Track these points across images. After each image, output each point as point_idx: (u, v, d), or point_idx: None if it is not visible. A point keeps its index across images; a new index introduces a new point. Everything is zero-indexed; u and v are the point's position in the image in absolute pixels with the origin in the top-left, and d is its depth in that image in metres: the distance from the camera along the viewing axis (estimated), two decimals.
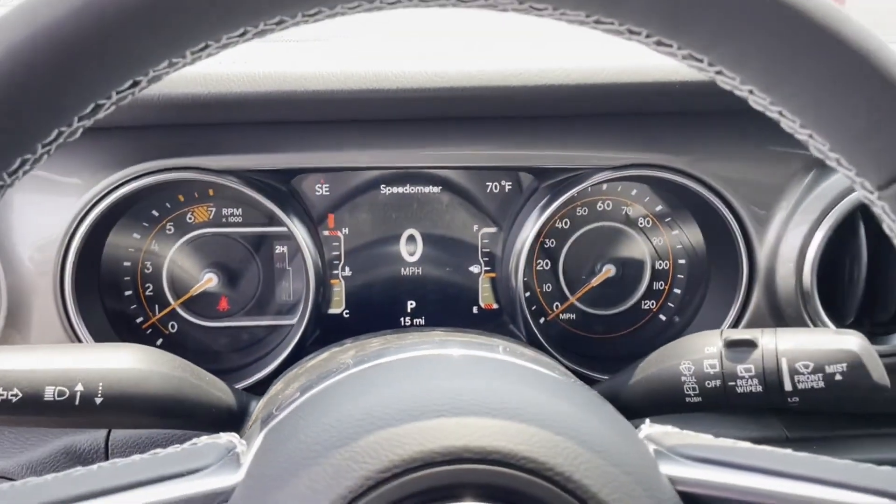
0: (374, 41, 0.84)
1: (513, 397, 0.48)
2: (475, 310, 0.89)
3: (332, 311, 0.88)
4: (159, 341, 0.86)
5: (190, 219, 0.84)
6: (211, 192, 0.81)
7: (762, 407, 0.66)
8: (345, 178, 0.84)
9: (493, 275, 0.88)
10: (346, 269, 0.87)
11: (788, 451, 0.50)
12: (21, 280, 0.72)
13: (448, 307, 0.90)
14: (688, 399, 0.66)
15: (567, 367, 0.82)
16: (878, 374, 0.61)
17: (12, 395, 0.60)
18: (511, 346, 0.67)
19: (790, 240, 0.75)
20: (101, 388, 0.61)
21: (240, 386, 0.78)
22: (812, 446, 0.75)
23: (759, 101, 0.43)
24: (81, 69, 0.38)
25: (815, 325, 0.76)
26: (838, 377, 0.62)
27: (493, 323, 0.89)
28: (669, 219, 0.87)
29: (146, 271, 0.85)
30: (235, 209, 0.84)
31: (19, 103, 0.38)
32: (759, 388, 0.63)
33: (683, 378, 0.66)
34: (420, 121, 0.78)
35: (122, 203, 0.77)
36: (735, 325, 0.82)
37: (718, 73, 0.42)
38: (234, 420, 0.69)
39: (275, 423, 0.52)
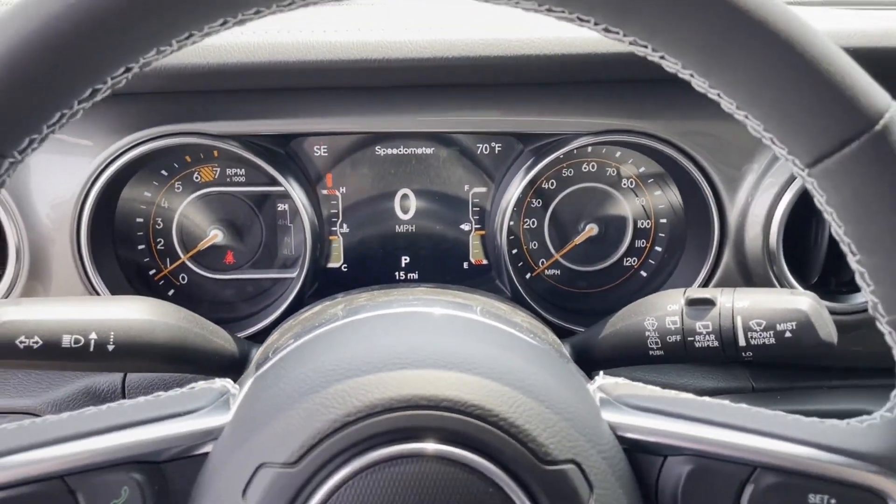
0: (365, 10, 0.87)
1: (471, 353, 0.53)
2: (465, 265, 0.93)
3: (331, 265, 0.92)
4: (170, 292, 0.90)
5: (196, 178, 0.88)
6: (216, 153, 0.84)
7: (719, 360, 0.72)
8: (342, 140, 0.87)
9: (482, 232, 0.92)
10: (344, 225, 0.91)
11: (725, 402, 0.55)
12: (41, 236, 0.78)
13: (440, 263, 0.93)
14: (651, 352, 0.71)
15: (549, 321, 0.87)
16: (826, 332, 0.66)
17: (33, 343, 0.65)
18: (488, 305, 0.70)
19: (759, 202, 0.78)
20: (112, 336, 0.67)
21: (243, 334, 0.83)
22: (776, 396, 0.84)
23: (700, 84, 0.47)
24: (79, 59, 0.42)
25: (782, 285, 0.80)
26: (788, 334, 0.66)
27: (483, 278, 0.93)
28: (651, 180, 0.90)
29: (157, 227, 0.89)
30: (239, 169, 0.88)
31: (27, 91, 0.42)
32: (716, 343, 0.68)
33: (647, 333, 0.71)
34: (409, 87, 0.81)
35: (133, 164, 0.81)
36: (706, 282, 0.85)
37: (662, 57, 0.46)
38: (236, 366, 0.74)
39: (262, 370, 0.57)
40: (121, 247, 0.88)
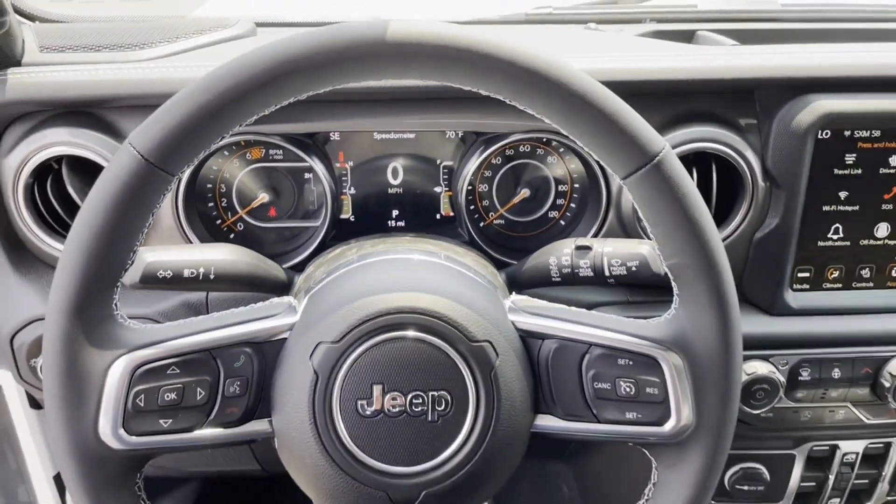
0: None
1: (435, 282, 0.72)
2: (438, 216, 1.08)
3: (342, 216, 1.07)
4: (231, 236, 1.05)
5: (248, 156, 1.03)
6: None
7: (595, 284, 0.89)
8: (351, 131, 1.01)
9: (450, 193, 1.06)
10: (352, 188, 1.06)
11: (581, 309, 0.74)
12: None
13: (420, 215, 1.08)
14: (553, 279, 0.90)
15: (494, 257, 1.03)
16: (657, 267, 0.83)
17: (167, 274, 0.82)
18: (450, 251, 0.85)
19: None
20: (213, 269, 0.83)
21: (285, 266, 0.95)
22: (643, 305, 1.01)
23: (552, 122, 0.63)
24: (213, 125, 0.61)
25: (647, 237, 0.95)
26: (633, 268, 0.86)
27: (449, 225, 1.07)
28: (568, 157, 1.05)
29: (222, 190, 1.04)
30: (278, 151, 1.03)
31: (192, 139, 0.61)
32: (591, 274, 0.87)
33: (550, 267, 0.89)
34: (399, 99, 0.95)
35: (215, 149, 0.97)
36: (597, 233, 1.02)
37: (522, 109, 0.63)
38: (285, 287, 0.89)
39: (312, 292, 0.75)
40: (199, 204, 1.03)
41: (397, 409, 0.68)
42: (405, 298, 0.70)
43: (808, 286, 1.05)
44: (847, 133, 0.98)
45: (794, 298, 1.04)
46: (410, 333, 0.69)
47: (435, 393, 0.68)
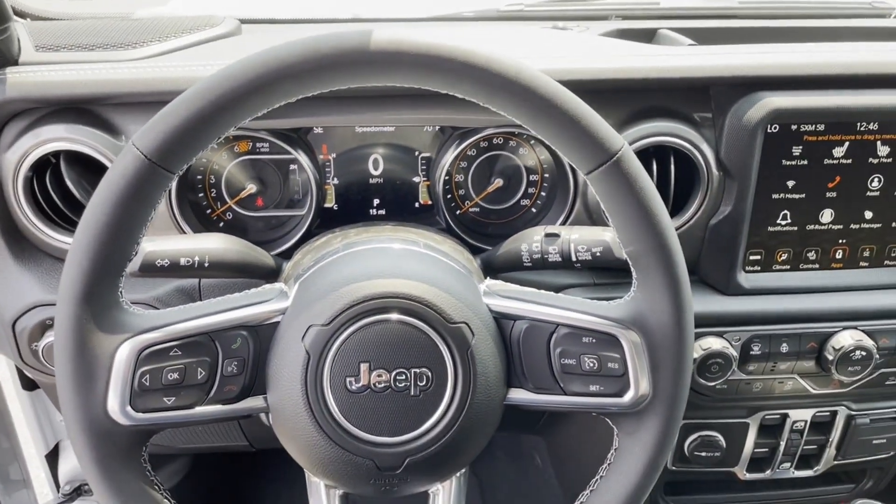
0: None
1: (415, 269, 0.76)
2: (416, 205, 1.11)
3: (326, 205, 1.10)
4: (221, 224, 1.08)
5: (236, 150, 1.06)
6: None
7: (563, 268, 0.92)
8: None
9: (428, 182, 1.10)
10: (335, 178, 1.09)
11: (550, 292, 0.78)
12: None
13: (399, 203, 1.11)
14: (524, 264, 0.92)
15: (469, 244, 1.06)
16: (619, 253, 0.79)
17: (165, 263, 0.84)
18: (429, 239, 0.88)
19: None
20: (207, 257, 0.86)
21: (273, 253, 0.97)
22: (608, 287, 1.05)
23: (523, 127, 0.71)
24: (211, 127, 0.65)
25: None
26: (598, 254, 0.89)
27: (427, 213, 1.10)
28: (539, 149, 1.08)
29: (211, 181, 1.07)
30: (265, 144, 1.05)
31: (191, 140, 0.65)
32: (559, 259, 0.90)
33: (522, 253, 0.92)
34: (378, 97, 0.99)
35: None
36: (565, 220, 1.06)
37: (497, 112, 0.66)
38: (273, 273, 0.92)
39: (303, 278, 0.78)
40: (190, 194, 1.06)
41: (382, 385, 0.72)
42: (389, 284, 0.74)
43: (759, 268, 1.12)
44: (794, 127, 1.05)
45: (746, 279, 1.12)
46: (394, 316, 0.73)
47: (417, 370, 0.72)
